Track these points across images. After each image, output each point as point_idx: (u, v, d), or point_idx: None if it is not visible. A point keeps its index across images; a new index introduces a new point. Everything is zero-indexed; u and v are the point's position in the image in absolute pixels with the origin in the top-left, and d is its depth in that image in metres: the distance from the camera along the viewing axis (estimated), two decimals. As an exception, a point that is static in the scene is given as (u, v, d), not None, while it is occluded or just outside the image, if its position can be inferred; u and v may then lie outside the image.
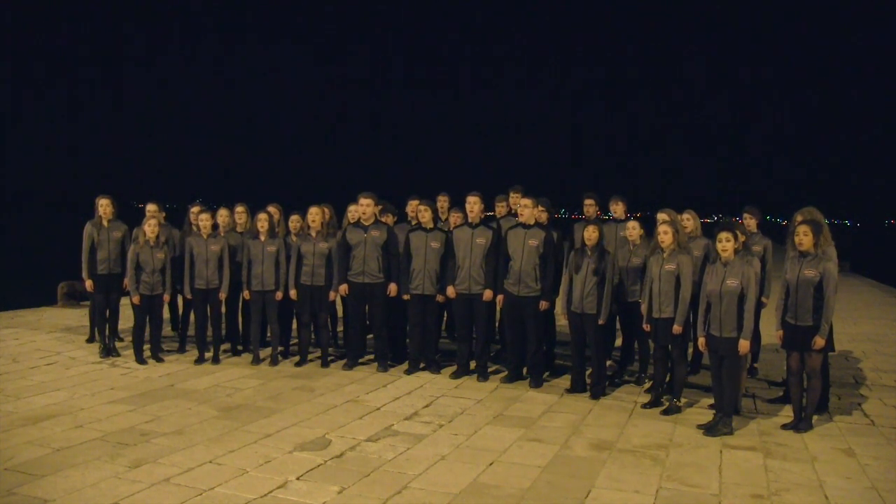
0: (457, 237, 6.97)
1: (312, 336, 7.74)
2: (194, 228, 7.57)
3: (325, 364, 7.37)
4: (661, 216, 6.30)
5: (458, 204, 7.61)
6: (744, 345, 5.47)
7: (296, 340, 7.79)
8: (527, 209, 6.70)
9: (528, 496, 4.30)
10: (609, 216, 7.39)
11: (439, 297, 7.11)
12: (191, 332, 7.89)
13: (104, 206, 7.61)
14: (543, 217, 6.91)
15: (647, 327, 6.14)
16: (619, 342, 7.29)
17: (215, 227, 7.55)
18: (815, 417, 5.71)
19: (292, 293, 7.37)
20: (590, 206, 7.35)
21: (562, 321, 6.88)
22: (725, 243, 5.52)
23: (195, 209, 7.73)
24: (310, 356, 7.58)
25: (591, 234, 6.36)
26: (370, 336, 7.67)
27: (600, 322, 6.32)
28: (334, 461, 4.80)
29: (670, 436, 5.44)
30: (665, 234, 5.97)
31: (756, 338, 6.98)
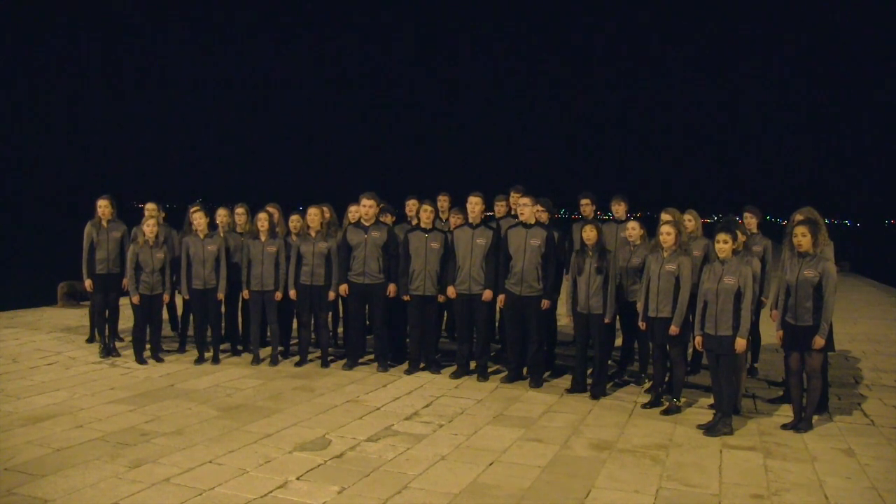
0: (457, 237, 6.96)
1: (312, 336, 7.74)
2: (193, 228, 7.57)
3: (325, 364, 7.37)
4: (665, 216, 6.31)
5: (458, 204, 7.60)
6: (740, 343, 5.47)
7: (296, 340, 7.78)
8: (526, 208, 6.69)
9: (528, 496, 4.30)
10: (610, 216, 7.38)
11: (440, 298, 7.11)
12: (190, 332, 7.88)
13: (103, 206, 7.62)
14: (544, 217, 6.91)
15: (642, 325, 6.15)
16: (618, 342, 7.28)
17: (214, 226, 7.55)
18: (815, 417, 5.72)
19: (292, 293, 7.37)
20: (586, 206, 7.34)
21: (563, 321, 6.87)
22: (723, 244, 5.54)
23: (194, 209, 7.73)
24: (310, 356, 7.58)
25: (589, 233, 6.36)
26: (370, 336, 7.68)
27: (606, 321, 6.33)
28: (334, 461, 4.80)
29: (670, 436, 5.44)
30: (668, 235, 5.98)
31: (756, 338, 6.99)
